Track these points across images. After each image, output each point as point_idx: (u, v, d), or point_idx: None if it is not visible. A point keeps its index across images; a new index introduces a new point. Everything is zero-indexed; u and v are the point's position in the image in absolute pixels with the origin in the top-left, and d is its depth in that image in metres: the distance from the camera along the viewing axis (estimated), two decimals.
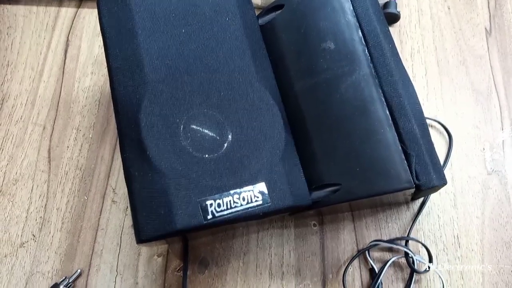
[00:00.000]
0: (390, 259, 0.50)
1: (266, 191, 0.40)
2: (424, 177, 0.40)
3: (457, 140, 0.56)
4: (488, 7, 0.65)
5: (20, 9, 0.63)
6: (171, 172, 0.38)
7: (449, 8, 0.64)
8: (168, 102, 0.41)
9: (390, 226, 0.53)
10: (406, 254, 0.49)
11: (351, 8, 0.45)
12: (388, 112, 0.42)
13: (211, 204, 0.38)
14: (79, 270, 0.51)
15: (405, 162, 0.40)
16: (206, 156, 0.40)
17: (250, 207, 0.39)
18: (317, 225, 0.53)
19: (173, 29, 0.43)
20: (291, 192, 0.41)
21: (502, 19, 0.64)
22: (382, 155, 0.40)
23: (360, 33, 0.44)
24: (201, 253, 0.52)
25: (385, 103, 0.42)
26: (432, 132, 0.57)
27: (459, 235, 0.52)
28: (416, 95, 0.43)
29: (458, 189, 0.54)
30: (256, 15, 0.51)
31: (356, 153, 0.42)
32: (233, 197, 0.39)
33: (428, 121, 0.56)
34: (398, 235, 0.52)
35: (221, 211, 0.38)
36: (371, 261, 0.50)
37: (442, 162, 0.55)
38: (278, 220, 0.53)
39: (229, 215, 0.38)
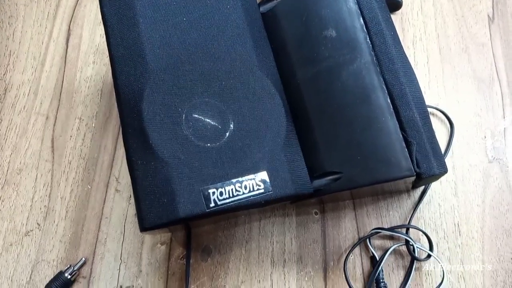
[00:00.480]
0: (391, 247, 0.50)
1: (267, 180, 0.40)
2: (425, 165, 0.40)
3: (458, 128, 0.56)
4: None
5: None
6: (173, 160, 0.38)
7: None
8: (170, 91, 0.41)
9: (391, 214, 0.53)
10: (407, 242, 0.50)
11: None
12: (389, 100, 0.42)
13: (213, 193, 0.38)
14: (83, 258, 0.51)
15: (406, 150, 0.40)
16: (208, 145, 0.40)
17: (252, 196, 0.39)
18: (318, 213, 0.53)
19: (175, 18, 0.43)
20: (293, 180, 0.42)
21: (505, 6, 0.63)
22: (383, 143, 0.41)
23: (361, 20, 0.44)
24: (204, 241, 0.52)
25: (386, 91, 0.42)
26: (433, 120, 0.57)
27: (460, 223, 0.53)
28: (418, 83, 0.43)
29: (459, 177, 0.54)
30: (258, 2, 0.51)
31: (357, 141, 0.42)
32: (235, 186, 0.39)
33: (429, 109, 0.56)
34: (399, 223, 0.52)
35: (223, 199, 0.38)
36: (372, 249, 0.51)
37: (443, 150, 0.55)
38: (280, 208, 0.53)
39: (231, 203, 0.39)
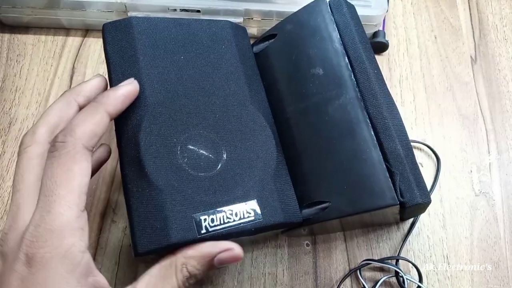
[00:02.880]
0: (381, 278, 0.51)
1: (258, 208, 0.42)
2: (408, 194, 0.42)
3: (445, 163, 0.58)
4: (473, 36, 0.68)
5: (29, 38, 0.66)
6: (167, 188, 0.40)
7: (436, 38, 0.68)
8: (166, 123, 0.43)
9: (381, 246, 0.54)
10: (397, 273, 0.51)
11: (338, 36, 0.48)
12: (373, 133, 0.44)
13: (205, 219, 0.40)
14: None
15: (390, 180, 0.42)
16: (202, 174, 0.42)
17: (242, 223, 0.41)
18: (310, 244, 0.54)
19: (173, 56, 0.46)
20: (282, 209, 0.43)
21: (486, 47, 0.67)
22: (367, 173, 0.43)
23: (346, 59, 0.47)
24: None
25: (370, 125, 0.44)
26: (420, 155, 0.59)
27: (449, 255, 0.53)
28: (400, 117, 0.46)
29: (447, 210, 0.56)
30: (252, 43, 0.54)
31: (343, 172, 0.44)
32: (226, 213, 0.41)
33: (416, 144, 0.59)
34: (389, 255, 0.53)
35: (215, 226, 0.40)
36: (362, 280, 0.51)
37: (430, 184, 0.57)
38: (272, 239, 0.55)
39: (222, 230, 0.40)
